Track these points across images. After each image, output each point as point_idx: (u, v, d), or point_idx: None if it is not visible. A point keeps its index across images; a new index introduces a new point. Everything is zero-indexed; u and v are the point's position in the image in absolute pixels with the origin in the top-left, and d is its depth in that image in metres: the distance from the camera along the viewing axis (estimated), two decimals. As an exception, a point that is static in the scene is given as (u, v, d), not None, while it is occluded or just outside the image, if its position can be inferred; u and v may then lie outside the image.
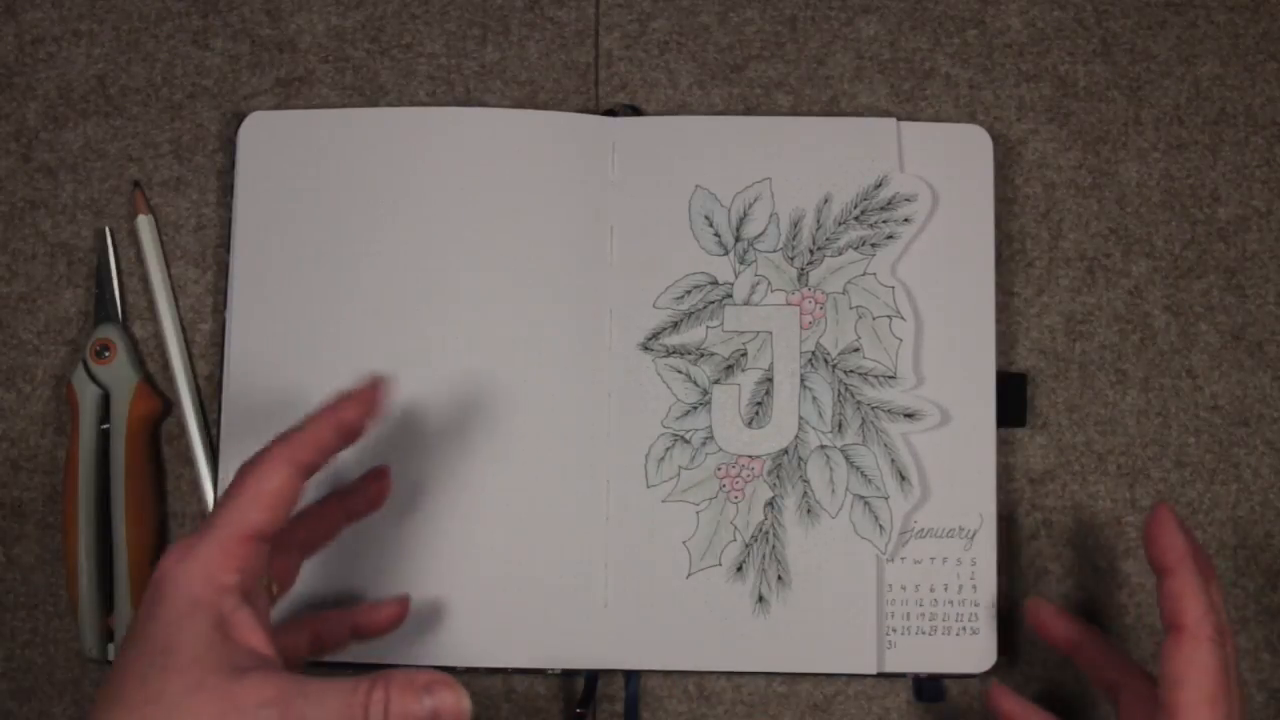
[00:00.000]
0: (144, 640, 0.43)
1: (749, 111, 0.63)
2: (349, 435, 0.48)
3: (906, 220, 0.60)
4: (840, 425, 0.59)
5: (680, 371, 0.59)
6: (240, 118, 0.61)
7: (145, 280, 0.61)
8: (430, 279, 0.60)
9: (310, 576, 0.57)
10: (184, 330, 0.61)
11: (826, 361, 0.59)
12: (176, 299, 0.61)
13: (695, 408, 0.59)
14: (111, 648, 0.58)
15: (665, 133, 0.61)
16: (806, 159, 0.60)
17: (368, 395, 0.49)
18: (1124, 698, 0.52)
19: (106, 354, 0.60)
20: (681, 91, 0.63)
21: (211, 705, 0.41)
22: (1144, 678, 0.52)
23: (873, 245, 0.60)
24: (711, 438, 0.59)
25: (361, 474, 0.56)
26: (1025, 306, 0.61)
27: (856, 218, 0.60)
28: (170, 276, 0.61)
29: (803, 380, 0.59)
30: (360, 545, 0.58)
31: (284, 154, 0.61)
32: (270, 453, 0.46)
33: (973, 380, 0.59)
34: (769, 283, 0.60)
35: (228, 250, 0.61)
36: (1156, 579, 0.49)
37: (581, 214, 0.60)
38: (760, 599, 0.58)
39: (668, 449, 0.59)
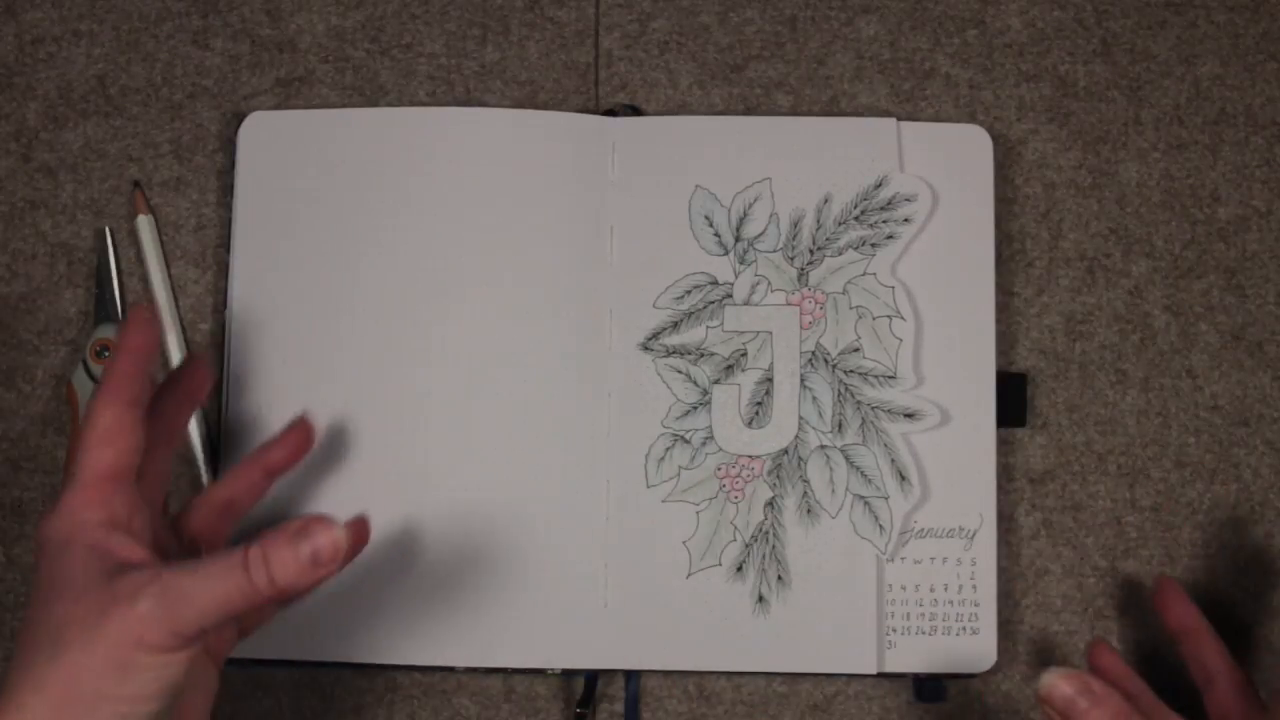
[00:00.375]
0: (34, 595, 0.44)
1: (749, 111, 0.63)
2: (146, 356, 0.48)
3: (906, 220, 0.60)
4: (840, 425, 0.59)
5: (680, 371, 0.59)
6: (240, 118, 0.61)
7: (145, 280, 0.61)
8: (430, 279, 0.60)
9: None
10: (184, 330, 0.61)
11: (826, 361, 0.59)
12: (176, 299, 0.61)
13: (695, 408, 0.59)
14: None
15: (665, 133, 0.61)
16: (806, 159, 0.60)
17: (141, 318, 0.49)
18: (1217, 689, 0.53)
19: (106, 354, 0.60)
20: (681, 91, 0.63)
21: (94, 605, 0.42)
22: (1241, 674, 0.54)
23: (873, 245, 0.60)
24: (711, 438, 0.59)
25: (286, 429, 0.56)
26: (1025, 306, 0.61)
27: (856, 218, 0.60)
28: (170, 276, 0.61)
29: (803, 380, 0.59)
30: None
31: (284, 154, 0.61)
32: (90, 403, 0.47)
33: (973, 380, 0.59)
34: (769, 283, 0.60)
35: (228, 250, 0.61)
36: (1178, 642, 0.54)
37: (581, 214, 0.60)
38: (760, 599, 0.58)
39: (668, 449, 0.59)
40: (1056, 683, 0.46)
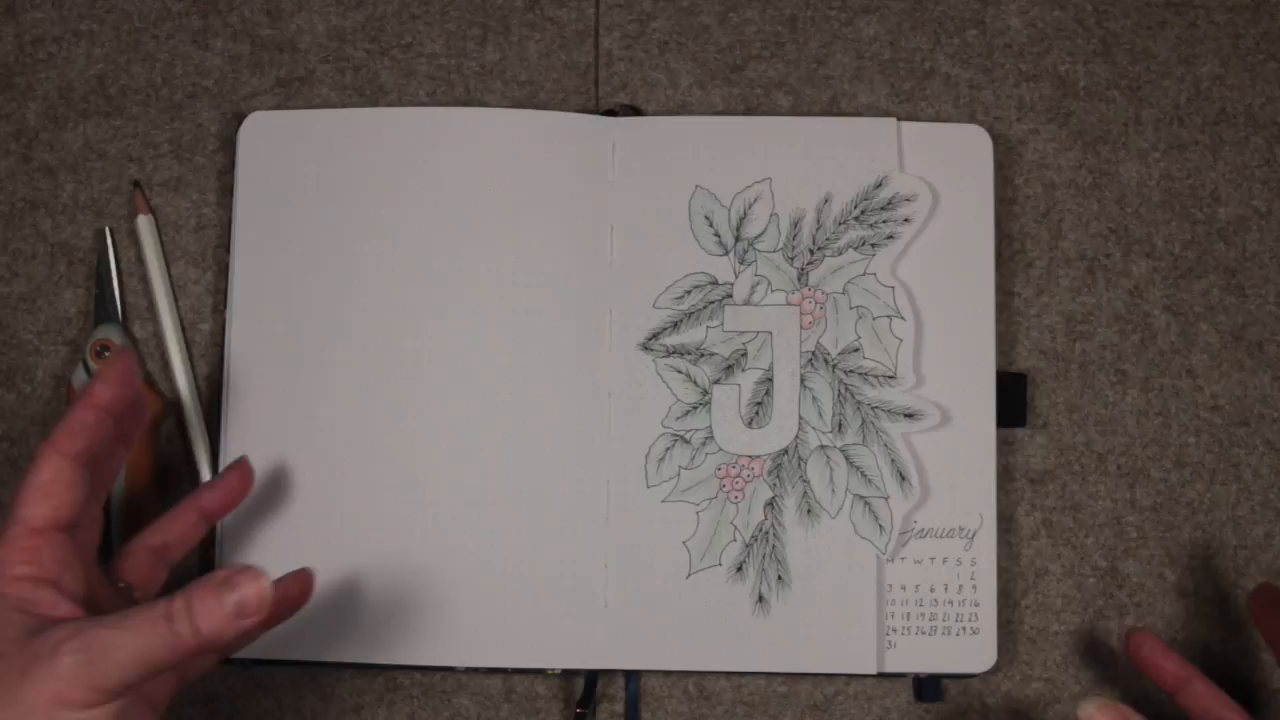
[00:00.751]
0: None
1: (749, 111, 0.63)
2: (110, 412, 0.48)
3: (906, 220, 0.60)
4: (840, 425, 0.59)
5: (680, 371, 0.59)
6: (240, 118, 0.61)
7: (145, 280, 0.61)
8: (430, 279, 0.60)
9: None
10: (184, 330, 0.61)
11: (826, 361, 0.59)
12: (176, 299, 0.61)
13: (695, 408, 0.59)
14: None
15: (665, 133, 0.61)
16: (806, 159, 0.60)
17: (110, 368, 0.48)
18: None
19: (106, 354, 0.60)
20: (681, 91, 0.63)
21: (14, 665, 0.41)
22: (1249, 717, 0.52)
23: (873, 245, 0.60)
24: (711, 438, 0.59)
25: (225, 472, 0.55)
26: (1025, 306, 0.61)
27: (856, 218, 0.60)
28: (170, 276, 0.61)
29: (803, 380, 0.59)
30: (360, 544, 0.58)
31: (284, 154, 0.61)
32: (36, 451, 0.47)
33: (973, 380, 0.59)
34: (769, 283, 0.60)
35: (228, 250, 0.61)
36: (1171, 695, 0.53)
37: (581, 214, 0.60)
38: (760, 599, 0.58)
39: (668, 449, 0.59)
40: (1094, 715, 0.46)
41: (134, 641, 0.41)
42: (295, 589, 0.54)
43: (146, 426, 0.59)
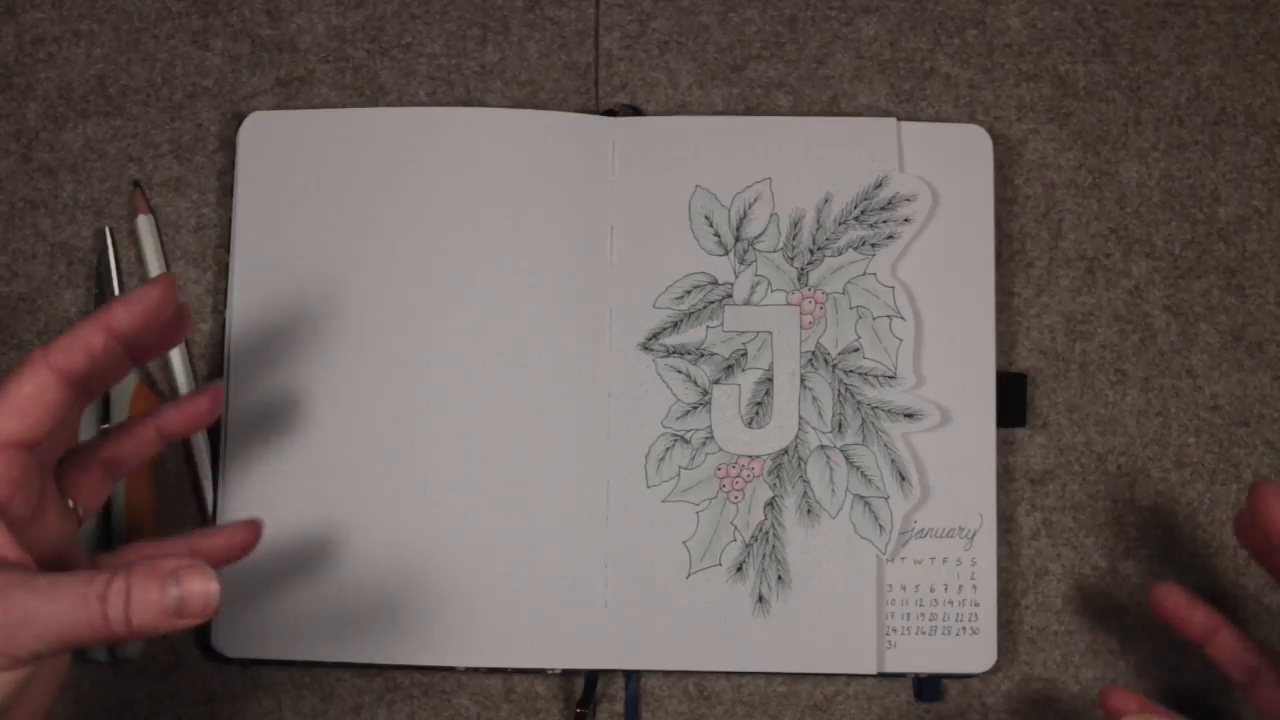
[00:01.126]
0: None
1: (749, 111, 0.63)
2: (121, 337, 0.44)
3: (906, 220, 0.60)
4: (840, 425, 0.59)
5: (680, 371, 0.59)
6: (240, 118, 0.61)
7: (145, 280, 0.61)
8: (430, 278, 0.60)
9: (309, 576, 0.58)
10: (184, 330, 0.61)
11: (826, 361, 0.59)
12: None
13: (695, 408, 0.59)
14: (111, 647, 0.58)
15: (665, 133, 0.61)
16: (806, 159, 0.60)
17: (144, 295, 0.44)
18: (1261, 687, 0.51)
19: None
20: (681, 91, 0.63)
21: None
22: None
23: (873, 245, 0.60)
24: (711, 438, 0.59)
25: (192, 393, 0.52)
26: (1025, 306, 0.61)
27: (856, 218, 0.60)
28: (170, 276, 0.61)
29: (803, 380, 0.59)
30: (359, 544, 0.58)
31: (284, 154, 0.61)
32: (28, 357, 0.42)
33: (973, 380, 0.59)
34: (769, 283, 0.60)
35: (228, 250, 0.61)
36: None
37: (581, 214, 0.60)
38: (760, 599, 0.58)
39: (668, 449, 0.59)
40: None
41: (60, 615, 0.38)
42: (245, 537, 0.49)
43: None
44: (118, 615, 0.39)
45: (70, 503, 0.46)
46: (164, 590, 0.39)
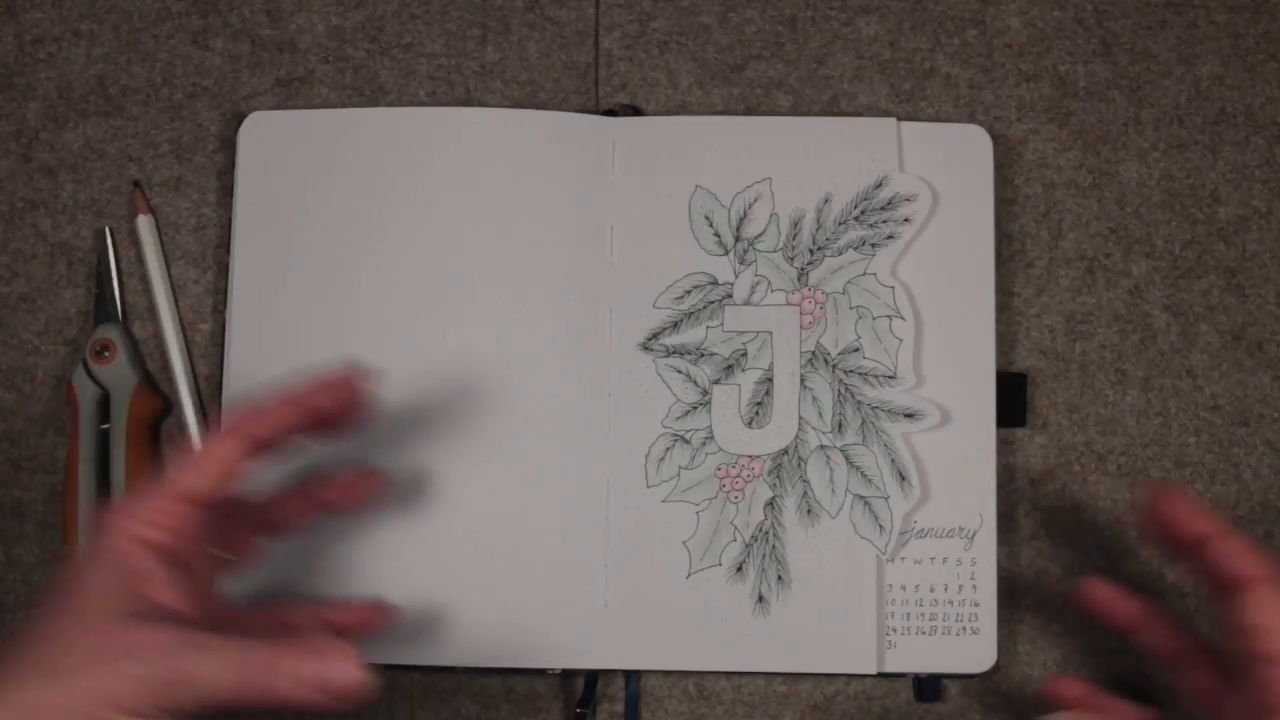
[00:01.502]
0: (61, 586, 0.43)
1: (749, 111, 0.63)
2: (314, 422, 0.48)
3: (906, 220, 0.60)
4: (840, 425, 0.59)
5: (680, 371, 0.59)
6: (240, 118, 0.61)
7: (145, 280, 0.61)
8: (430, 279, 0.60)
9: (308, 576, 0.57)
10: (184, 330, 0.61)
11: (826, 361, 0.59)
12: (176, 299, 0.61)
13: (695, 408, 0.59)
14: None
15: (665, 133, 0.61)
16: (806, 159, 0.60)
17: (340, 386, 0.48)
18: (1189, 671, 0.51)
19: (106, 354, 0.60)
20: (681, 91, 0.63)
21: (98, 647, 0.41)
22: (1210, 649, 0.51)
23: (873, 245, 0.60)
24: (711, 438, 0.59)
25: (351, 470, 0.55)
26: (1025, 306, 0.61)
27: (856, 218, 0.60)
28: (170, 276, 0.61)
29: (803, 380, 0.59)
30: (359, 545, 0.58)
31: (284, 154, 0.61)
32: (226, 424, 0.46)
33: (973, 380, 0.59)
34: (769, 283, 0.60)
35: (228, 250, 0.61)
36: (1192, 553, 0.48)
37: (581, 214, 0.60)
38: (760, 599, 0.58)
39: (668, 449, 0.59)
40: None
41: (220, 677, 0.41)
42: (373, 621, 0.54)
43: (148, 426, 0.59)
44: (267, 683, 0.41)
45: (216, 551, 0.50)
46: (314, 666, 0.42)
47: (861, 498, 0.58)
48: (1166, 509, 0.49)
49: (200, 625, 0.43)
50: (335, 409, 0.48)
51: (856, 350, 0.59)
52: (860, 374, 0.59)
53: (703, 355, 0.59)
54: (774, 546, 0.58)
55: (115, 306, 0.61)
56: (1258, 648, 0.45)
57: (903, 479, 0.58)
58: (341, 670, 0.42)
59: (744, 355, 0.59)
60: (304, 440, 0.50)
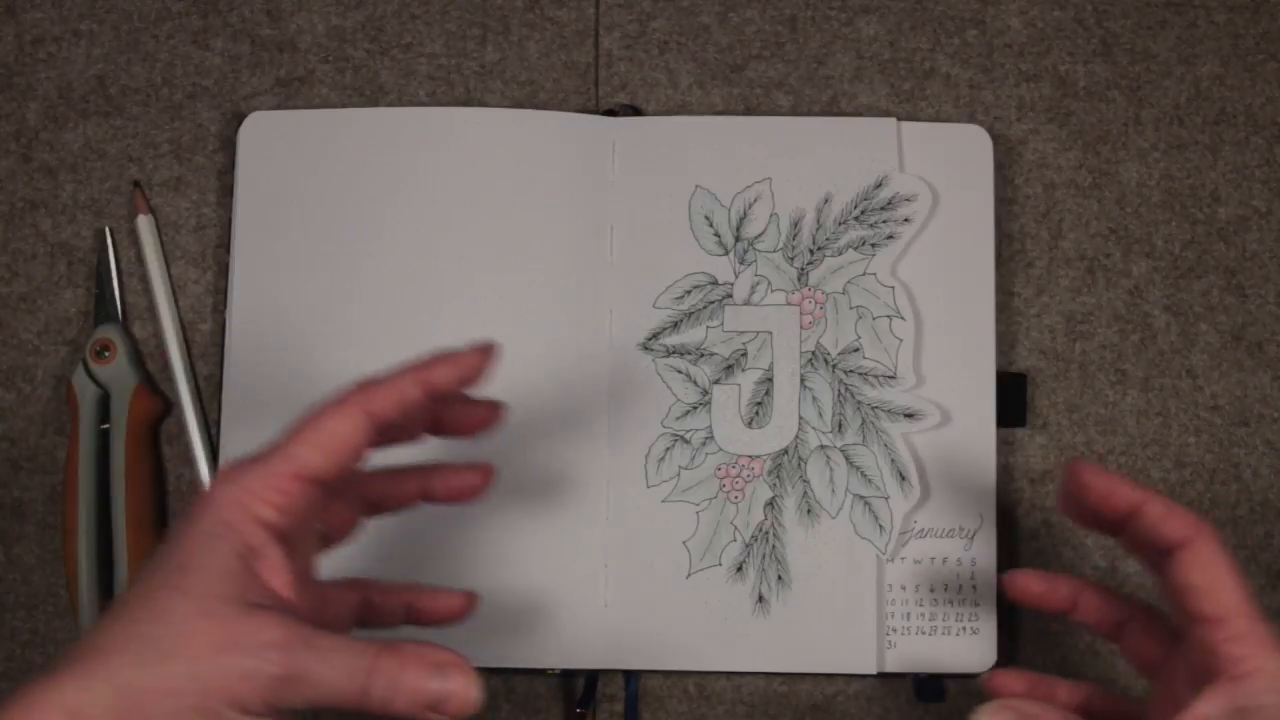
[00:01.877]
0: (164, 557, 0.40)
1: (749, 111, 0.63)
2: (436, 395, 0.44)
3: (906, 220, 0.60)
4: (840, 425, 0.59)
5: (680, 371, 0.59)
6: (240, 118, 0.61)
7: (145, 280, 0.61)
8: (430, 279, 0.60)
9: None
10: (184, 330, 0.61)
11: (826, 361, 0.59)
12: (176, 299, 0.61)
13: (695, 408, 0.59)
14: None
15: (665, 133, 0.61)
16: (806, 159, 0.60)
17: (466, 359, 0.45)
18: (1130, 639, 0.48)
19: (106, 354, 0.60)
20: (681, 91, 0.63)
21: (212, 634, 0.38)
22: (1150, 614, 0.48)
23: (873, 245, 0.60)
24: (711, 438, 0.59)
25: (466, 462, 0.51)
26: (1025, 306, 0.61)
27: (856, 218, 0.60)
28: (170, 276, 0.61)
29: (803, 380, 0.59)
30: (360, 545, 0.58)
31: (284, 154, 0.61)
32: (345, 395, 0.43)
33: (973, 380, 0.59)
34: (769, 283, 0.60)
35: (228, 250, 0.61)
36: (1122, 525, 0.46)
37: (581, 214, 0.60)
38: (760, 599, 0.58)
39: (668, 449, 0.59)
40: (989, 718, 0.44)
41: (331, 680, 0.39)
42: (459, 608, 0.50)
43: (148, 426, 0.59)
44: (380, 693, 0.39)
45: (319, 528, 0.46)
46: (429, 682, 0.40)
47: (861, 498, 0.58)
48: (1090, 483, 0.46)
49: (308, 613, 0.41)
50: (461, 383, 0.45)
51: (856, 350, 0.59)
52: (860, 374, 0.59)
53: (703, 355, 0.59)
54: (774, 546, 0.58)
55: (115, 306, 0.61)
56: (1197, 608, 0.43)
57: (903, 479, 0.58)
58: (461, 689, 0.40)
59: (744, 355, 0.59)
60: (426, 432, 0.47)
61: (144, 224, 0.61)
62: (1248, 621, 0.42)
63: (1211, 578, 0.43)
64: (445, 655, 0.41)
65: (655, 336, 0.60)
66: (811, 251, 0.60)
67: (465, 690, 0.40)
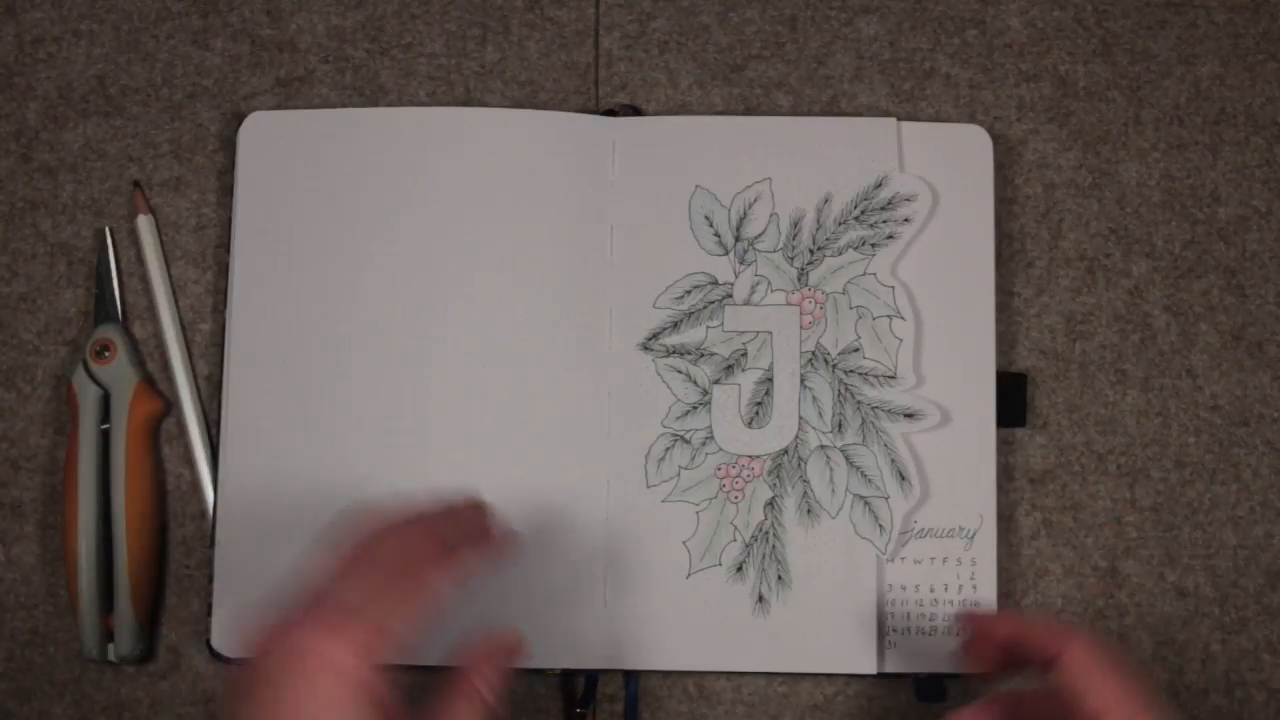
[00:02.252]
0: (259, 704, 0.39)
1: (749, 111, 0.63)
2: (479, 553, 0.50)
3: (906, 220, 0.60)
4: (840, 425, 0.59)
5: (680, 371, 0.59)
6: (240, 118, 0.61)
7: (145, 280, 0.61)
8: (430, 279, 0.60)
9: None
10: (184, 330, 0.61)
11: (826, 361, 0.59)
12: (176, 299, 0.61)
13: (695, 408, 0.59)
14: (111, 648, 0.58)
15: (665, 133, 0.61)
16: (806, 159, 0.60)
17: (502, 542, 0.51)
18: (1065, 660, 0.48)
19: (106, 354, 0.60)
20: (681, 91, 0.63)
21: None
22: (1084, 639, 0.49)
23: (873, 245, 0.60)
24: (711, 438, 0.59)
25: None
26: (1025, 306, 0.61)
27: (856, 218, 0.60)
28: (170, 276, 0.61)
29: (803, 380, 0.59)
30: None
31: (284, 154, 0.61)
32: (439, 563, 0.45)
33: (973, 380, 0.59)
34: (769, 283, 0.60)
35: (228, 250, 0.61)
36: (1014, 655, 0.50)
37: (581, 214, 0.60)
38: (760, 599, 0.58)
39: (668, 449, 0.59)
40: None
41: None
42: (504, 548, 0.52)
43: (148, 426, 0.59)
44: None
45: None
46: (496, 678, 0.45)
47: (861, 498, 0.58)
48: (973, 628, 0.52)
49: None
50: (494, 557, 0.50)
51: (856, 350, 0.59)
52: (860, 374, 0.59)
53: (703, 355, 0.59)
54: (774, 546, 0.58)
55: (115, 306, 0.61)
56: (1079, 709, 0.46)
57: (903, 479, 0.58)
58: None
59: (744, 355, 0.59)
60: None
61: (144, 224, 0.61)
62: (1124, 715, 0.46)
63: (1085, 681, 0.46)
64: (507, 634, 0.47)
65: (655, 336, 0.60)
66: (811, 251, 0.60)
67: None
